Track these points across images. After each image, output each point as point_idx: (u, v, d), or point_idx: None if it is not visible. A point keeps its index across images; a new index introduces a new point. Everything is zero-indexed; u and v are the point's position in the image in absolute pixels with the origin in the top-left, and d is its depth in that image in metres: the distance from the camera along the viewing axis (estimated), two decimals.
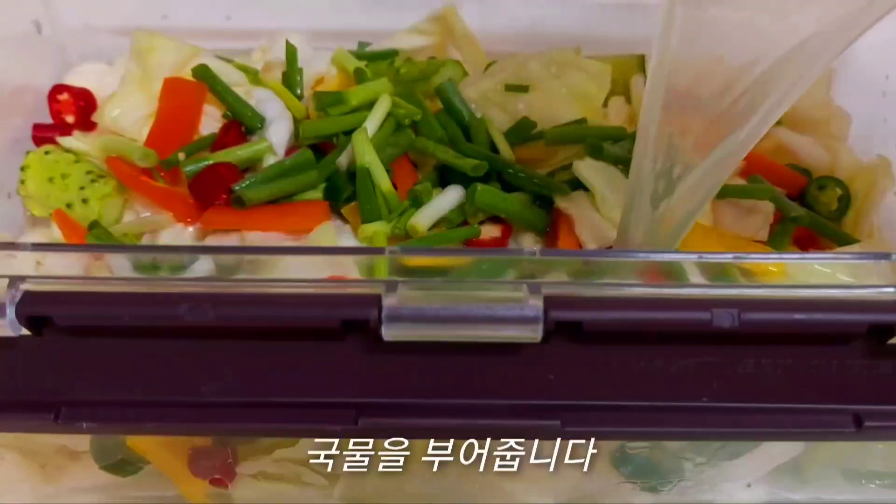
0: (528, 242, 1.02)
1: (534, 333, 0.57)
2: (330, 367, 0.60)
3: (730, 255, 0.60)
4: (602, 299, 0.59)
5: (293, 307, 0.58)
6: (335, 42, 1.41)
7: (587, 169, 1.00)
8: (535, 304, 0.57)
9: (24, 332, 0.58)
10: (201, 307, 0.57)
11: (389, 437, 0.62)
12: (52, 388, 0.60)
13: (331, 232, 0.92)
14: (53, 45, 1.37)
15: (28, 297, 0.57)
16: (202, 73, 1.10)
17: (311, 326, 0.58)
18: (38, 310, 0.58)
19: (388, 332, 0.57)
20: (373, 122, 1.07)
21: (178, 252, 0.68)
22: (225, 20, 1.45)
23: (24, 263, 0.58)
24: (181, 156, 1.04)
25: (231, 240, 0.98)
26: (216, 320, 0.57)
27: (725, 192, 1.01)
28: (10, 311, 0.57)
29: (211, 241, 0.99)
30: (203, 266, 0.93)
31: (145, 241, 1.02)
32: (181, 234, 1.01)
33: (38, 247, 0.59)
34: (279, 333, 0.59)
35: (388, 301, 0.57)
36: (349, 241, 0.98)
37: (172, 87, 1.09)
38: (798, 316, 0.58)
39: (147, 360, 0.60)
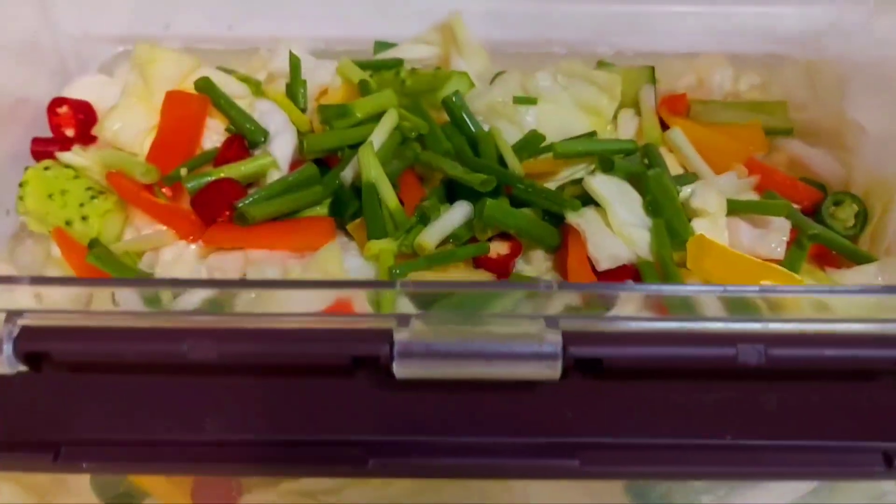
0: (538, 259, 1.00)
1: (552, 371, 0.55)
2: (339, 405, 0.58)
3: (755, 289, 0.58)
4: (623, 334, 0.57)
5: (300, 343, 0.56)
6: (339, 48, 1.40)
7: (598, 184, 0.98)
8: (554, 340, 0.55)
9: (22, 367, 0.56)
10: (204, 343, 0.55)
11: (401, 477, 0.60)
12: (51, 426, 0.58)
13: (336, 253, 0.90)
14: (53, 56, 1.34)
15: (26, 332, 0.55)
16: (204, 85, 1.08)
17: (319, 363, 0.56)
18: (36, 346, 0.55)
19: (400, 369, 0.55)
20: (379, 136, 1.04)
21: (182, 286, 0.66)
22: (227, 30, 1.43)
23: (22, 296, 0.56)
24: (183, 171, 1.01)
25: (234, 257, 0.96)
26: (220, 357, 0.55)
27: (741, 208, 0.98)
28: (8, 348, 0.55)
29: (214, 258, 0.97)
30: (206, 290, 0.91)
31: (147, 258, 1.00)
32: (183, 251, 0.99)
33: (36, 281, 0.57)
34: (286, 369, 0.57)
35: (400, 336, 0.55)
36: (355, 258, 0.95)
37: (174, 101, 1.07)
38: (829, 352, 0.56)
39: (149, 397, 0.58)
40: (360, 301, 0.86)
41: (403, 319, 0.56)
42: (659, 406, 0.58)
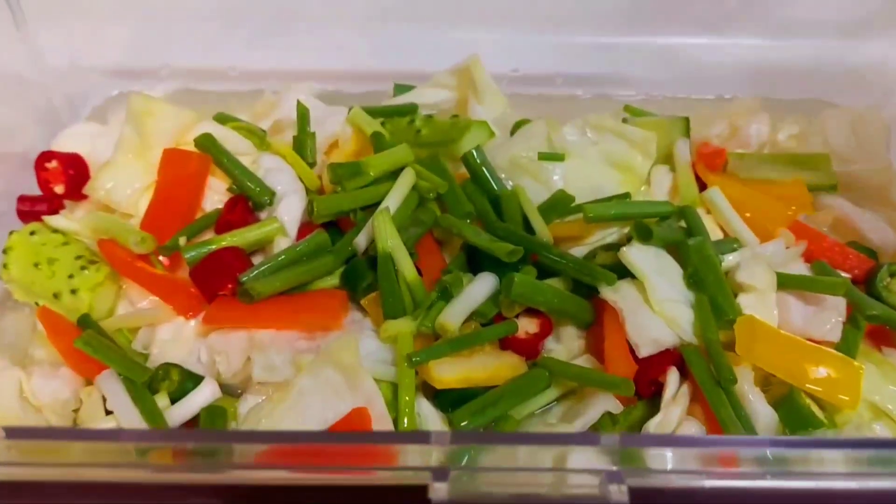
0: (570, 336, 0.92)
1: None
2: None
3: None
4: (699, 492, 0.48)
5: None
6: (348, 89, 1.32)
7: (636, 256, 0.90)
8: (620, 501, 0.46)
9: None
10: None
11: None
12: None
13: (353, 344, 0.81)
14: (38, 92, 1.25)
15: None
16: (205, 143, 0.99)
17: None
18: None
19: None
20: (395, 199, 0.96)
21: (177, 440, 0.57)
22: (230, 64, 1.36)
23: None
24: (182, 240, 0.93)
25: (237, 338, 0.88)
26: None
27: (792, 284, 0.90)
28: None
29: (215, 338, 0.88)
30: (206, 392, 0.83)
31: (142, 335, 0.92)
32: (182, 328, 0.90)
33: (11, 433, 0.48)
34: None
35: (438, 494, 0.47)
36: (370, 340, 0.87)
37: (172, 159, 0.98)
38: None
39: None
40: (375, 398, 0.77)
41: (440, 473, 0.47)
42: None
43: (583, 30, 1.35)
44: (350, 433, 0.63)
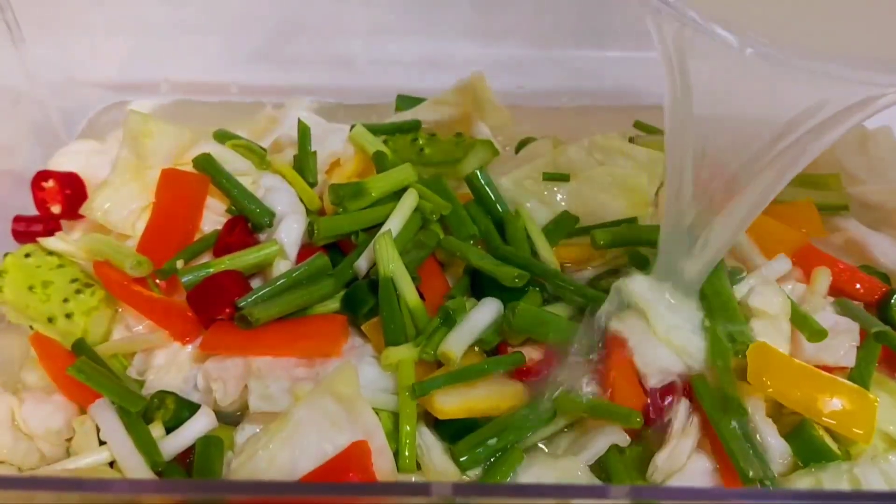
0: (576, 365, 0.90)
1: None
2: None
3: None
4: None
5: None
6: (348, 100, 1.31)
7: (637, 286, 0.87)
8: None
9: None
10: None
11: None
12: None
13: (352, 373, 0.79)
14: (33, 107, 1.24)
15: None
16: (204, 163, 0.97)
17: None
18: None
19: None
20: (397, 221, 0.94)
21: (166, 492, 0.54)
22: (230, 77, 1.34)
23: None
24: (179, 263, 0.91)
25: (234, 364, 0.85)
26: None
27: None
28: None
29: (211, 364, 0.86)
30: (202, 422, 0.81)
31: (138, 360, 0.90)
32: (178, 354, 0.88)
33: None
34: None
35: None
36: (371, 367, 0.85)
37: (170, 180, 0.96)
38: None
39: None
40: (377, 433, 0.75)
41: None
42: None
43: (588, 45, 1.34)
44: (348, 484, 0.60)
